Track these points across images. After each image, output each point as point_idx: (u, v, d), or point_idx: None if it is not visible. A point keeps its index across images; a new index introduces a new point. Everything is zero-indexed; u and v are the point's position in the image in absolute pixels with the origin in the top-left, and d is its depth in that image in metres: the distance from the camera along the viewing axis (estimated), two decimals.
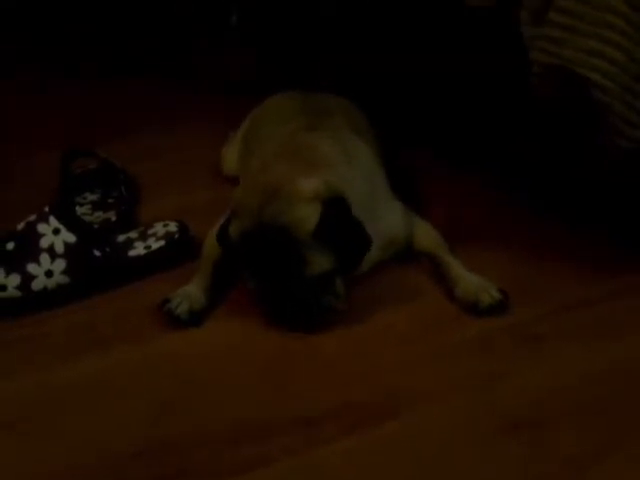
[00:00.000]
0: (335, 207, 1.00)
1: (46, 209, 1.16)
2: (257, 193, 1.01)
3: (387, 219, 1.13)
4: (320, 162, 1.05)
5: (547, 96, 1.09)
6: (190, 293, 1.09)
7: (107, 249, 1.17)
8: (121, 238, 1.22)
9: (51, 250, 1.13)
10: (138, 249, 1.19)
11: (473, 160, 1.38)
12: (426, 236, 1.16)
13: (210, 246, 1.15)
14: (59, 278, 1.13)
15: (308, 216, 0.98)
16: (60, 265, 1.13)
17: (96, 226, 1.27)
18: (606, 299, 1.07)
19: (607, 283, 1.10)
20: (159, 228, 1.23)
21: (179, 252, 1.21)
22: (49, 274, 1.13)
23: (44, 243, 1.13)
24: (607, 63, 0.99)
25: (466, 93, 1.37)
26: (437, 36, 1.35)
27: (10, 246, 1.14)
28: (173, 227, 1.23)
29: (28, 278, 1.12)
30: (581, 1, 0.98)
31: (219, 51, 1.93)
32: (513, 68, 1.15)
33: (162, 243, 1.20)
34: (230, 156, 1.43)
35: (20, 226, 1.16)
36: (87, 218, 1.29)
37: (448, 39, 1.32)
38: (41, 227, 1.14)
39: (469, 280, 1.08)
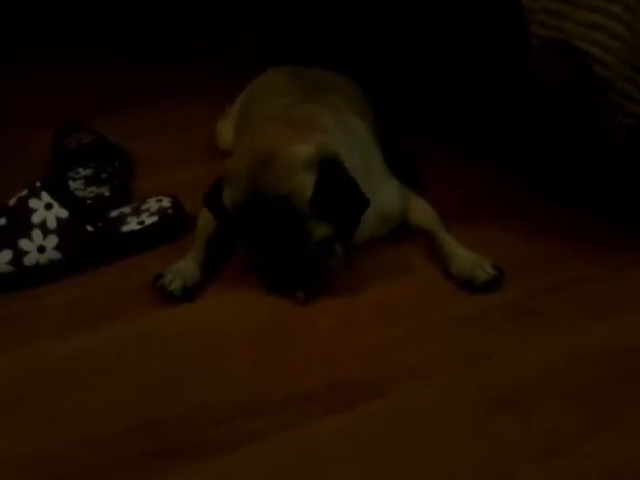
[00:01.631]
0: (330, 168, 0.97)
1: (38, 184, 1.14)
2: (249, 160, 0.99)
3: (383, 194, 1.12)
4: (315, 127, 1.03)
5: (546, 72, 1.08)
6: (184, 269, 1.08)
7: (100, 224, 1.16)
8: (114, 213, 1.20)
9: (43, 226, 1.12)
10: (131, 224, 1.18)
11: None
12: (422, 212, 1.16)
13: (205, 221, 1.14)
14: (51, 254, 1.12)
15: (305, 183, 0.96)
16: (52, 241, 1.12)
17: (89, 201, 1.26)
18: (600, 277, 1.06)
19: (602, 262, 1.09)
20: (152, 203, 1.22)
21: (173, 228, 1.20)
22: (41, 250, 1.12)
23: (36, 219, 1.12)
24: (608, 37, 0.97)
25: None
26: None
27: (2, 222, 1.12)
28: (167, 202, 1.22)
29: (20, 254, 1.11)
30: None
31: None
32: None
33: (155, 219, 1.19)
34: (226, 130, 1.42)
35: (12, 201, 1.14)
36: (80, 193, 1.28)
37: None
38: (33, 202, 1.13)
39: (464, 256, 1.07)
